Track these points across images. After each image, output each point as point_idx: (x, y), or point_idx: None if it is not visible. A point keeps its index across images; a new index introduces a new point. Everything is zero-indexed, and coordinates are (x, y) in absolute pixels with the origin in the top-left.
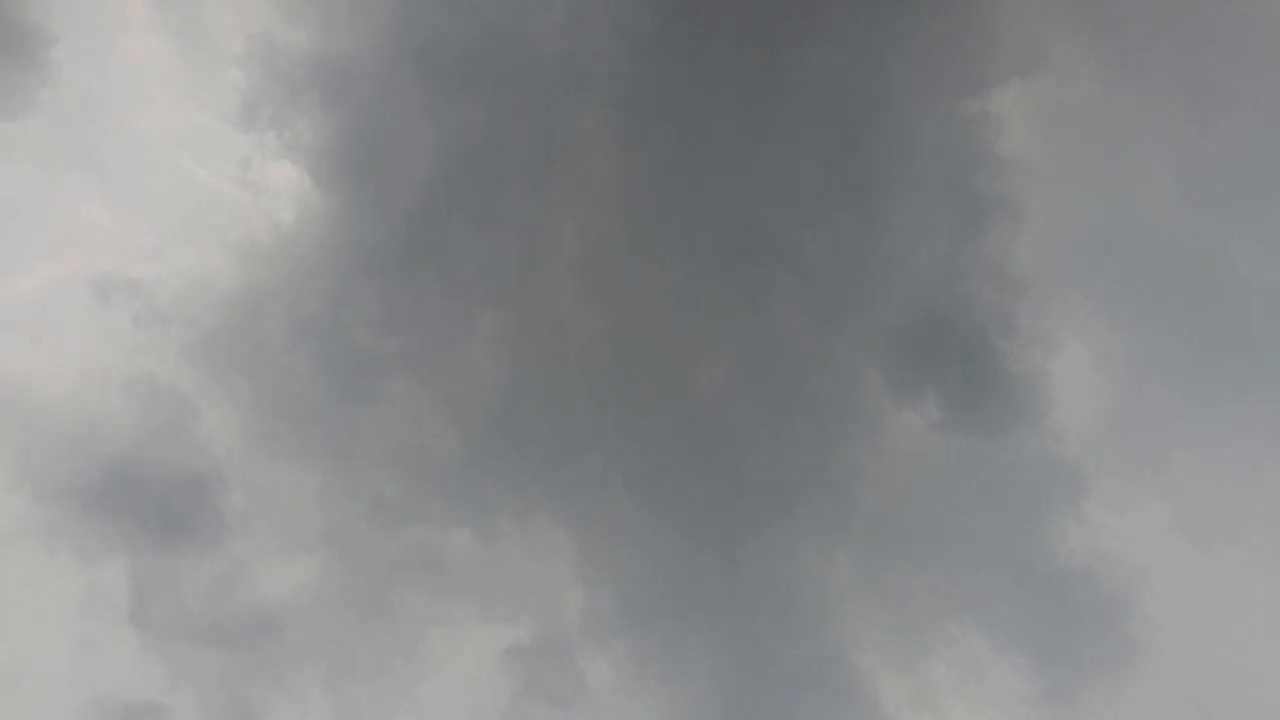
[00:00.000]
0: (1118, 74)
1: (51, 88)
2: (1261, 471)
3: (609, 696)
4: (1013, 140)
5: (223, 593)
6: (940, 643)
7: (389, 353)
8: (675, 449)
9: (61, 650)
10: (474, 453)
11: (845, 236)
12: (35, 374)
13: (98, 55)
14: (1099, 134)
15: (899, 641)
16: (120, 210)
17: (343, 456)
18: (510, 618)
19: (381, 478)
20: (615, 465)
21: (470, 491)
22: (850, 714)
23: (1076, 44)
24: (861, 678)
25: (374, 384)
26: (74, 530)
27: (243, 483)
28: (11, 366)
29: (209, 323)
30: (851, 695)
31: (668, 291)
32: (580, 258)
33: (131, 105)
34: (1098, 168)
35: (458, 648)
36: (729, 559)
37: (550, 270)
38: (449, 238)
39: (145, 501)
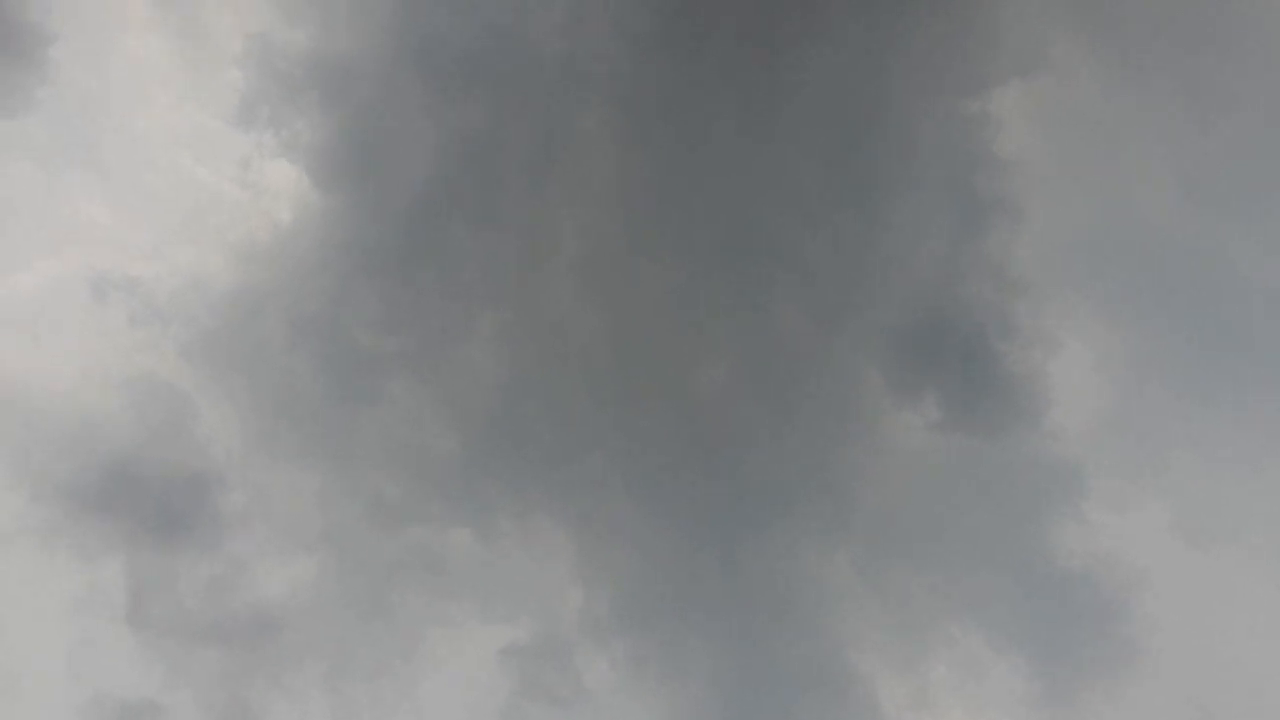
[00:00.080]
0: (1117, 74)
1: (51, 87)
2: (1261, 472)
3: (608, 696)
4: (1012, 140)
5: (221, 592)
6: (940, 643)
7: (388, 352)
8: (675, 449)
9: (60, 649)
10: (474, 453)
11: (845, 236)
12: (34, 372)
13: (97, 54)
14: (1099, 134)
15: (898, 642)
16: (119, 209)
17: (342, 456)
18: (509, 617)
19: (381, 477)
20: (615, 465)
21: (470, 491)
22: (850, 714)
23: (1076, 44)
24: (861, 678)
25: (373, 384)
26: (72, 529)
27: (242, 482)
28: (10, 365)
29: (208, 322)
30: (851, 695)
31: (668, 291)
32: (580, 258)
33: (131, 104)
34: (1097, 168)
35: (457, 647)
36: (729, 559)
37: (550, 270)
38: (448, 237)
39: (144, 500)
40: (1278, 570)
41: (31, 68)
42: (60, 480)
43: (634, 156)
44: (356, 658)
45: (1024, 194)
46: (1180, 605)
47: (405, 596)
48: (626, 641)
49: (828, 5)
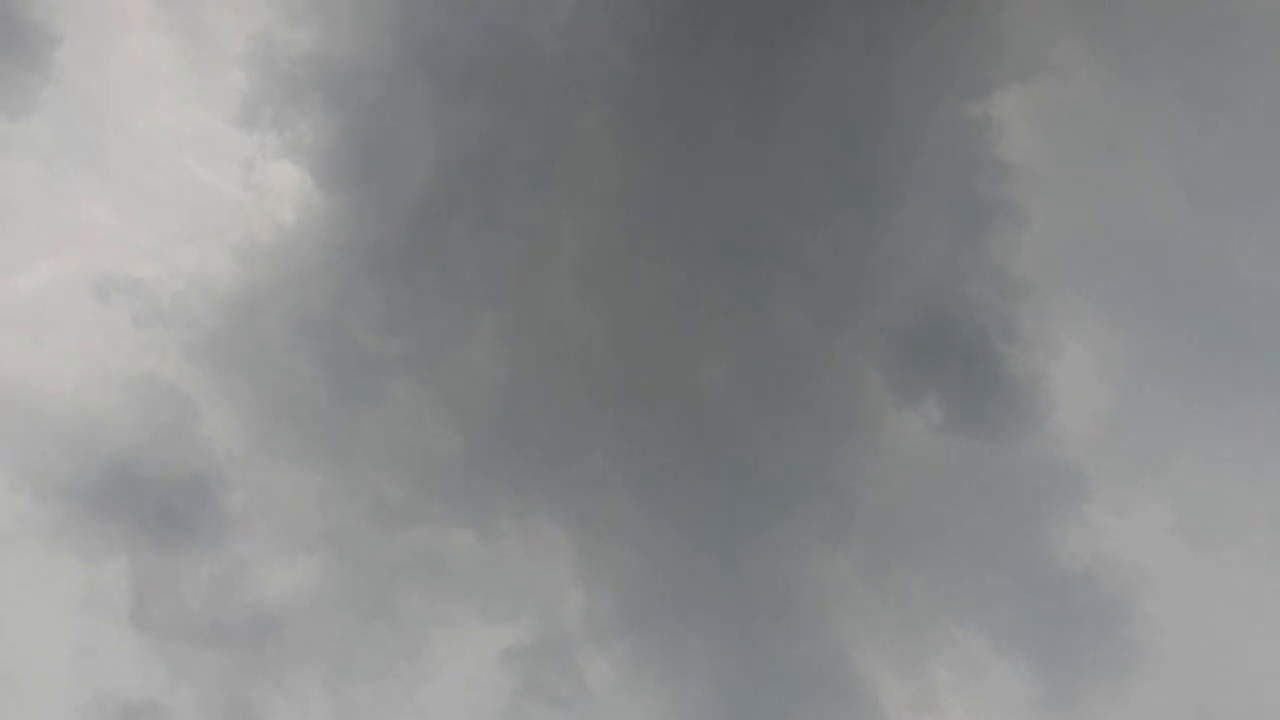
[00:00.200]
0: (1118, 77)
1: (54, 87)
2: (1263, 473)
3: (609, 697)
4: (1014, 143)
5: (223, 593)
6: (941, 644)
7: (390, 353)
8: (675, 449)
9: (61, 650)
10: (475, 453)
11: (846, 238)
12: (36, 373)
13: (100, 55)
14: (1100, 137)
15: (899, 643)
16: (122, 210)
17: (344, 457)
18: (511, 618)
19: (382, 478)
20: (615, 465)
21: (471, 492)
22: (850, 715)
23: (1077, 46)
24: (862, 679)
25: (375, 384)
26: (74, 530)
27: (244, 483)
28: (12, 366)
29: (210, 323)
30: (851, 696)
31: (668, 292)
32: (581, 258)
33: (133, 105)
34: (1099, 170)
35: (458, 648)
36: (729, 559)
37: (551, 270)
38: (450, 238)
39: (146, 501)
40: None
41: (35, 68)
42: (62, 481)
43: (634, 157)
44: (358, 658)
45: (1025, 196)
46: (1182, 607)
47: (407, 597)
48: (628, 642)
49: (828, 6)
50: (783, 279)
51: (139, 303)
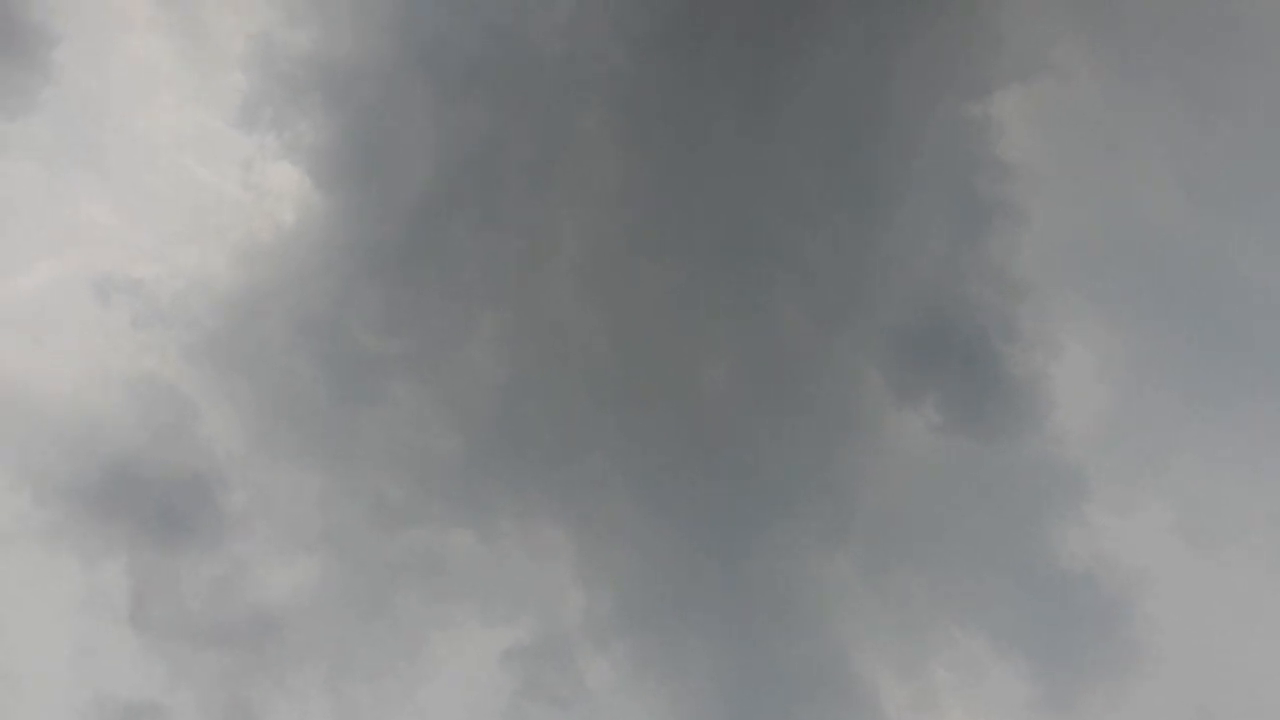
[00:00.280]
0: (1118, 76)
1: (54, 87)
2: (1263, 473)
3: (609, 697)
4: (1014, 143)
5: (223, 593)
6: (941, 645)
7: (390, 353)
8: (676, 449)
9: (61, 650)
10: (475, 453)
11: (846, 238)
12: (36, 374)
13: (100, 55)
14: (1100, 137)
15: (899, 643)
16: (122, 210)
17: (344, 457)
18: (511, 618)
19: (382, 478)
20: (615, 465)
21: (471, 492)
22: (850, 715)
23: (1077, 46)
24: (862, 679)
25: (375, 384)
26: (74, 530)
27: (243, 483)
28: (12, 366)
29: (210, 323)
30: (852, 697)
31: (668, 292)
32: (581, 258)
33: (133, 105)
34: (1099, 170)
35: (458, 648)
36: (729, 559)
37: (551, 270)
38: (450, 238)
39: (146, 502)
40: None
41: (34, 69)
42: (62, 481)
43: (634, 157)
44: (358, 659)
45: (1025, 196)
46: (1183, 607)
47: (407, 597)
48: (628, 642)
49: (828, 6)
50: (783, 279)
51: (139, 303)
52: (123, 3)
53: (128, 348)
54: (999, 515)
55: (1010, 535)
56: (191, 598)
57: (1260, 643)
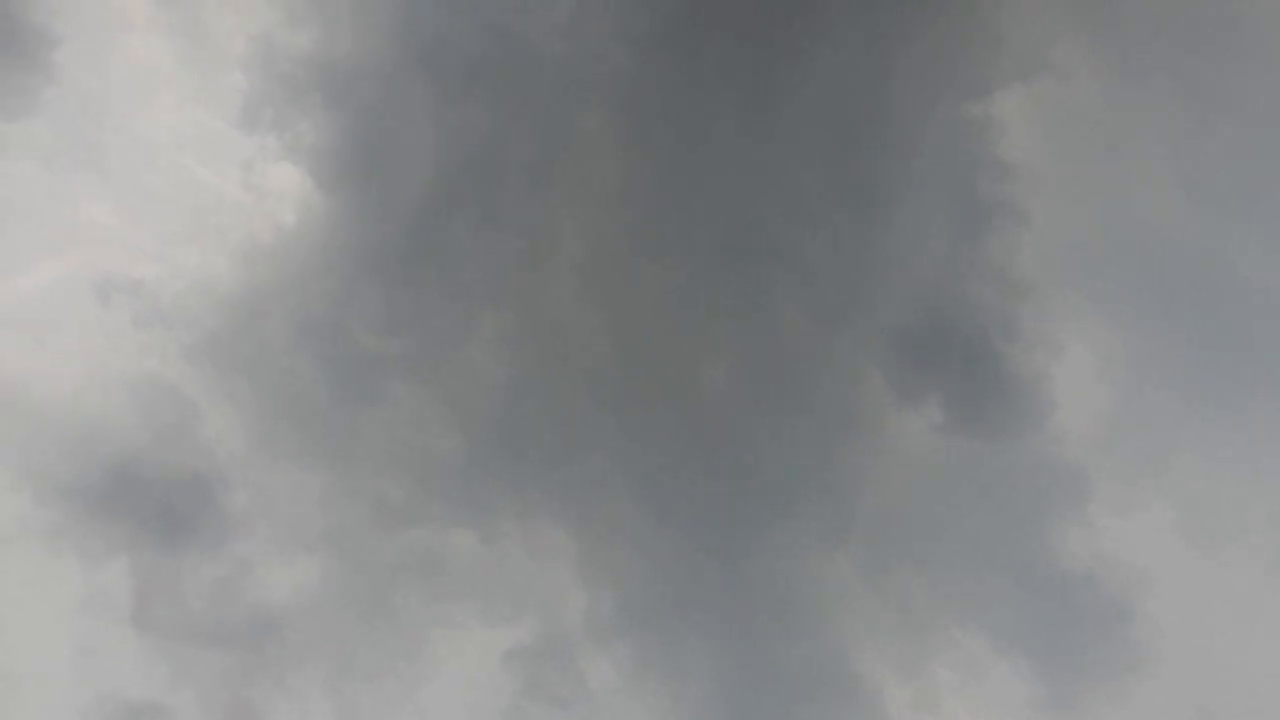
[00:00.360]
0: (1118, 77)
1: (55, 88)
2: (1264, 473)
3: (610, 697)
4: (1014, 143)
5: (224, 593)
6: (942, 645)
7: (390, 354)
8: (676, 449)
9: (63, 650)
10: (475, 453)
11: (847, 238)
12: (37, 374)
13: (100, 56)
14: (1100, 136)
15: (900, 644)
16: (122, 211)
17: (344, 457)
18: (512, 619)
19: (383, 479)
20: (616, 466)
21: (471, 492)
22: (851, 716)
23: (1077, 46)
24: (863, 680)
25: (375, 385)
26: (76, 531)
27: (244, 483)
28: (13, 366)
29: (211, 323)
30: (853, 697)
31: (668, 292)
32: (581, 258)
33: (134, 106)
34: (1099, 170)
35: (459, 649)
36: (730, 560)
37: (551, 271)
38: (450, 239)
39: (147, 502)
40: None
41: (36, 69)
42: (64, 482)
43: (635, 157)
44: (359, 659)
45: (1025, 196)
46: (1184, 607)
47: (407, 598)
48: (629, 642)
49: (828, 6)
50: (783, 279)
51: (140, 303)
52: (123, 3)
53: (129, 348)
54: (1000, 515)
55: (1011, 535)
56: (193, 598)
57: (1260, 643)
